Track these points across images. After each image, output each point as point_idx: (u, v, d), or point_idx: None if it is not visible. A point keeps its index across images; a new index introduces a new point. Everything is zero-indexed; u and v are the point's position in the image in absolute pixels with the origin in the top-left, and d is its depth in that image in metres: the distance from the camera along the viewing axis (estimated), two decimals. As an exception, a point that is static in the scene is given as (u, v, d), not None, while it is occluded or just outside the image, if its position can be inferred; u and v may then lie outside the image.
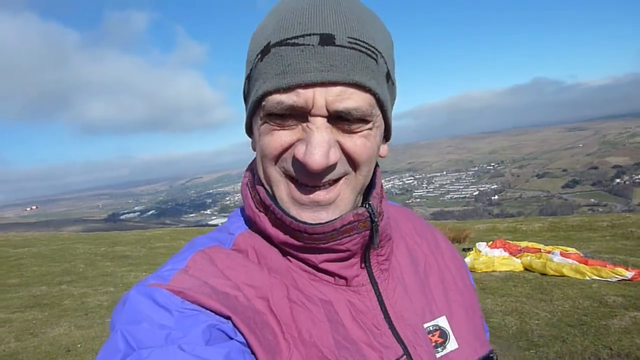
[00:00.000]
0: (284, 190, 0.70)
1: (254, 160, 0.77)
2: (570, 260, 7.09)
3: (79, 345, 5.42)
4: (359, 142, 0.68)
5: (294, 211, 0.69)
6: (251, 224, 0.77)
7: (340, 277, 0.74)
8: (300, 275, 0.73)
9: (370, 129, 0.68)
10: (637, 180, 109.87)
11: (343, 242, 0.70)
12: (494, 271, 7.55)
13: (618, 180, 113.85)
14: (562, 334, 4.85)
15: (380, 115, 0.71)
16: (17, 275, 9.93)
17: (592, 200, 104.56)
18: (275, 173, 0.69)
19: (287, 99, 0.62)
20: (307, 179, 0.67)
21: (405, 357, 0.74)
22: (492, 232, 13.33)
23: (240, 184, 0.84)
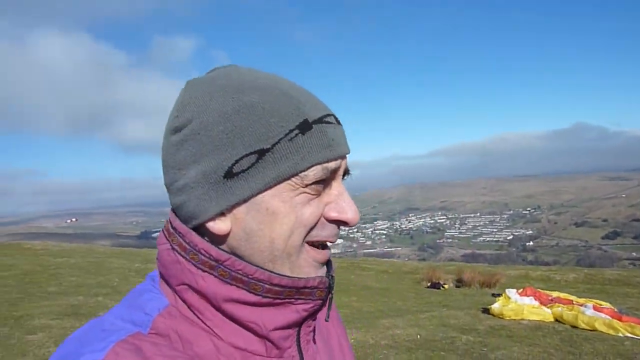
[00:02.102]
0: (304, 257, 0.70)
1: (176, 222, 0.70)
2: (603, 315, 6.93)
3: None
4: None
5: (314, 274, 0.71)
6: (176, 294, 0.70)
7: (278, 348, 0.72)
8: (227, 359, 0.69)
9: None
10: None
11: (297, 303, 0.70)
12: (522, 319, 7.45)
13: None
14: (589, 389, 4.77)
15: None
16: (56, 284, 10.39)
17: (634, 254, 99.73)
18: (298, 243, 0.69)
19: (332, 164, 0.70)
20: (335, 237, 0.73)
21: None
22: (524, 279, 13.07)
23: None
